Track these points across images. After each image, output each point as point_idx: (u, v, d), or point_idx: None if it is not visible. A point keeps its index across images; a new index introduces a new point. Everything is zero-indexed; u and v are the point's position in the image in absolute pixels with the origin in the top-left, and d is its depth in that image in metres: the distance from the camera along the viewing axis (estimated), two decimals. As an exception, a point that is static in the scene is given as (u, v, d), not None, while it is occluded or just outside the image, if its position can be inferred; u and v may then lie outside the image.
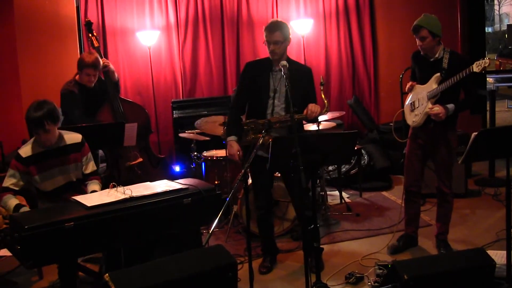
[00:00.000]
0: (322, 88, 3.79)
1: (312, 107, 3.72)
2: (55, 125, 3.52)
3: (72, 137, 3.70)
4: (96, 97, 4.78)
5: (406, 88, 4.23)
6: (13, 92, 5.97)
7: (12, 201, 3.48)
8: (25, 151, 3.55)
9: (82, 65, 4.55)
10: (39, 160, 3.57)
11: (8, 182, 3.55)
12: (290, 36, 3.84)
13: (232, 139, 3.91)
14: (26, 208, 3.47)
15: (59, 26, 6.18)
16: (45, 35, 6.09)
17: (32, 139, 3.61)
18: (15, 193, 3.55)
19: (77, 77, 4.63)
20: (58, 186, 3.67)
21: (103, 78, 4.93)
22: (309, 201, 3.55)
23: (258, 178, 3.98)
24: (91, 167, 3.80)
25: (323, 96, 3.80)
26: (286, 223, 4.64)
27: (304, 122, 4.11)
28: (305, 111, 3.74)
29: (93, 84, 4.65)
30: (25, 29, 5.96)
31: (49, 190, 3.66)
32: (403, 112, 4.34)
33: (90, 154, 3.80)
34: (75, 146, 3.68)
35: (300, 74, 3.85)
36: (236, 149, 3.88)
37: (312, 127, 5.13)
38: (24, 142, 5.41)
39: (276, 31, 3.75)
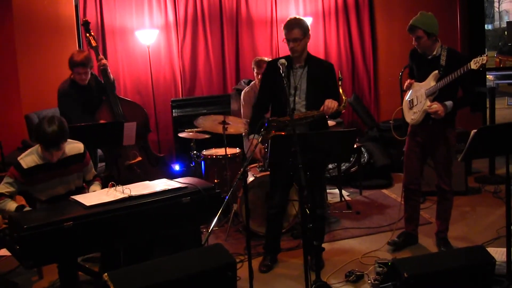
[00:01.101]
0: (340, 83, 3.79)
1: (329, 103, 3.68)
2: (66, 142, 3.47)
3: (74, 148, 3.61)
4: (92, 95, 4.77)
5: (405, 86, 4.22)
6: (12, 92, 5.97)
7: (11, 204, 3.42)
8: (27, 162, 3.45)
9: (71, 64, 4.53)
10: (40, 171, 3.48)
11: (4, 189, 3.46)
12: (310, 33, 3.82)
13: (254, 137, 3.92)
14: (28, 209, 3.45)
15: (58, 26, 6.17)
16: (44, 35, 6.08)
17: (34, 149, 3.49)
18: (9, 197, 3.47)
19: (72, 75, 4.62)
20: (57, 195, 3.62)
21: (100, 77, 4.92)
22: (318, 199, 3.54)
23: (277, 174, 3.95)
24: (92, 174, 3.80)
25: (341, 91, 3.78)
26: (286, 221, 4.63)
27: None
28: (321, 108, 3.71)
29: (86, 82, 4.63)
30: (24, 29, 5.96)
31: (47, 199, 3.61)
32: (402, 109, 4.34)
33: (91, 162, 3.77)
34: (77, 157, 3.62)
35: (320, 70, 3.84)
36: (258, 147, 3.87)
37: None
38: (23, 142, 5.45)
39: (295, 28, 3.73)
